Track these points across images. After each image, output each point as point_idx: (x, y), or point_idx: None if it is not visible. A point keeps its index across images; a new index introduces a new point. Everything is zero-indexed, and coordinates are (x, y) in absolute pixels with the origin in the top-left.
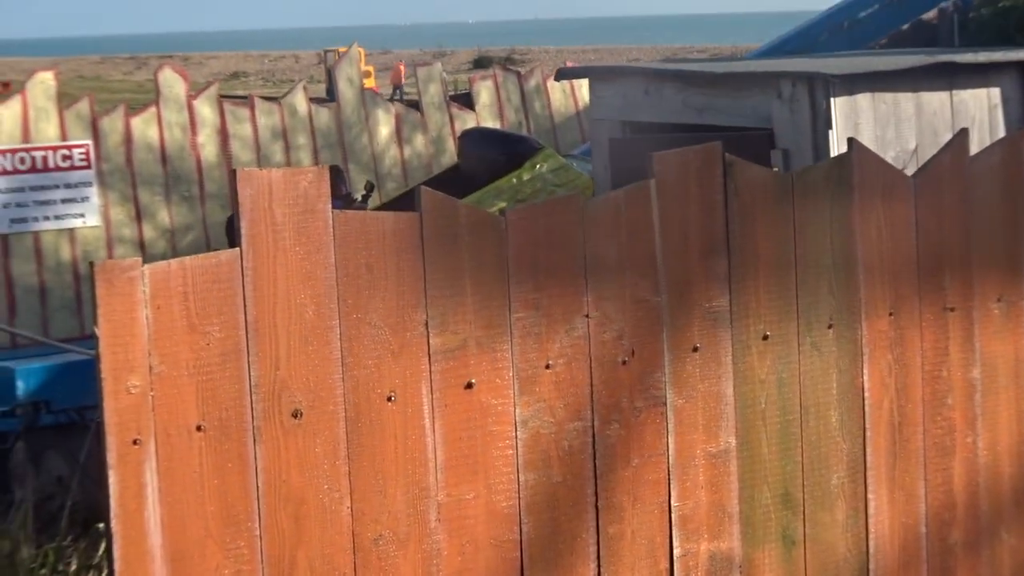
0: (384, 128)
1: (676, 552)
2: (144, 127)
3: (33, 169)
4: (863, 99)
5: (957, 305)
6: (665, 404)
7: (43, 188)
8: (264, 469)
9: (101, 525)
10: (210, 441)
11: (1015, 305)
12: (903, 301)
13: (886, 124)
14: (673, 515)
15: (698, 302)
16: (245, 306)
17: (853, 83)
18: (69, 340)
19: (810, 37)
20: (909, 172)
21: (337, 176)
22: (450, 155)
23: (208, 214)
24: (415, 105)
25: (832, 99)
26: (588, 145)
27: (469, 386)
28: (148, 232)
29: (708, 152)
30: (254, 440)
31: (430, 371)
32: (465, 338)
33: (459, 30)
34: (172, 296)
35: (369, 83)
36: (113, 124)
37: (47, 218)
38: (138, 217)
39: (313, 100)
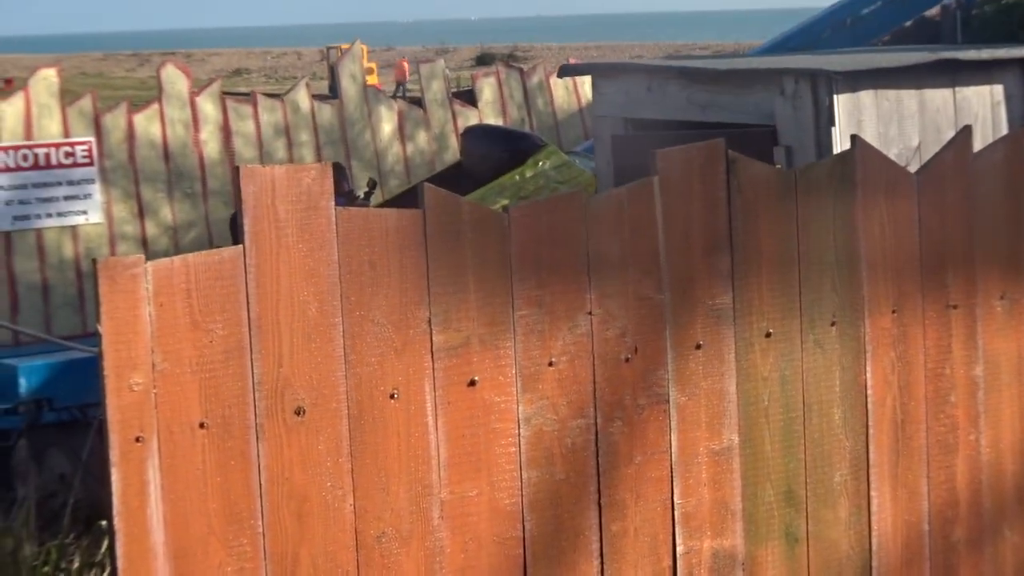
0: (387, 125)
1: (679, 549)
2: (147, 124)
3: (36, 166)
4: (866, 96)
5: (960, 302)
6: (668, 401)
7: (46, 185)
8: (267, 467)
9: (104, 522)
10: (213, 438)
11: (1018, 303)
12: (906, 298)
13: (889, 121)
14: (676, 512)
15: (701, 299)
16: (248, 303)
17: (856, 80)
18: (71, 337)
19: (813, 34)
20: (912, 169)
21: (339, 173)
22: (453, 152)
23: (211, 211)
24: (418, 102)
25: (835, 96)
26: (591, 142)
27: (472, 383)
28: (151, 229)
29: (711, 149)
30: (257, 437)
31: (433, 368)
32: (468, 335)
33: (461, 27)
34: (175, 293)
35: (372, 80)
36: (116, 121)
37: (50, 215)
38: (140, 214)
39: (316, 97)
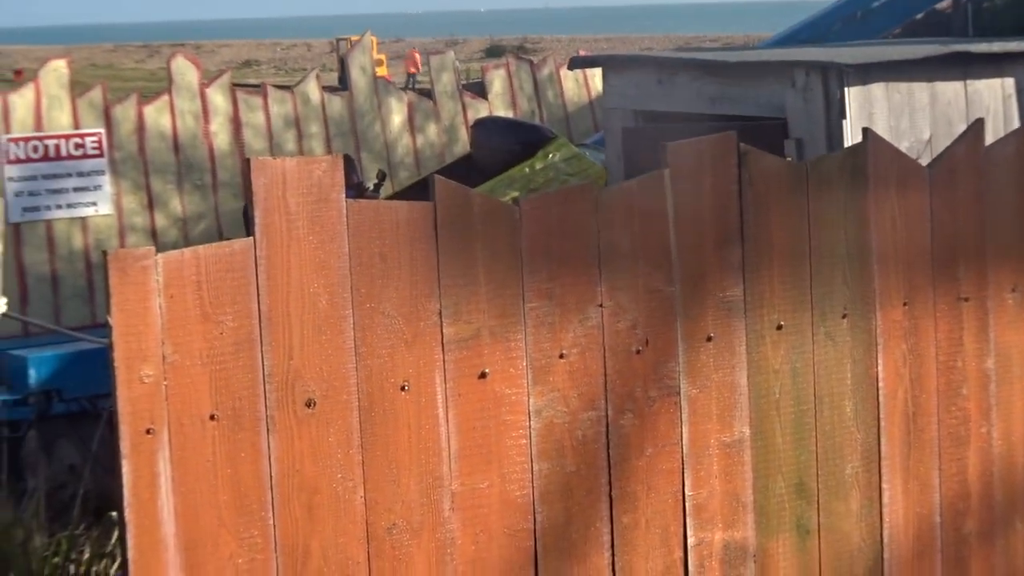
0: (396, 117)
1: (690, 541)
2: (156, 115)
3: (46, 157)
4: (877, 89)
5: (971, 295)
6: (679, 394)
7: (55, 176)
8: (277, 459)
9: (114, 514)
10: (223, 430)
11: None
12: (917, 291)
13: (900, 114)
14: (687, 504)
15: (712, 292)
16: (259, 295)
17: (867, 73)
18: (81, 329)
19: (823, 26)
20: (923, 162)
21: (349, 165)
22: (463, 144)
23: (220, 202)
24: (428, 94)
25: (846, 89)
26: (601, 134)
27: (483, 376)
28: (160, 220)
29: (723, 142)
30: (267, 429)
31: (444, 361)
32: (479, 328)
33: (471, 18)
34: (185, 285)
35: (381, 71)
36: (126, 112)
37: (59, 206)
38: (150, 205)
39: (325, 88)
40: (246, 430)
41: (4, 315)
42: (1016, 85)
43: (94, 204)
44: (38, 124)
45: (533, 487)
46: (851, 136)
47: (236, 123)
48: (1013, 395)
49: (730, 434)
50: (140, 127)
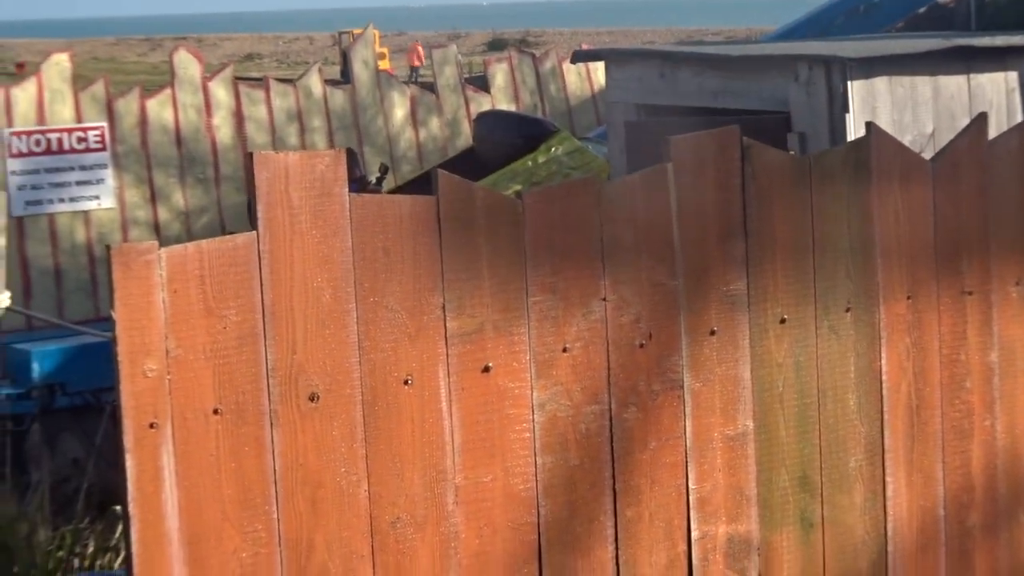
0: (399, 110)
1: (694, 535)
2: (159, 109)
3: (48, 151)
4: (880, 82)
5: (975, 289)
6: (682, 387)
7: (58, 170)
8: (281, 453)
9: (118, 508)
10: (227, 424)
11: None
12: (921, 285)
13: (903, 108)
14: (691, 498)
15: (715, 285)
16: (262, 289)
17: (870, 66)
18: (84, 322)
19: (826, 20)
20: (927, 156)
21: (351, 158)
22: (465, 138)
23: (223, 196)
24: (430, 87)
25: (849, 82)
26: (603, 128)
27: (486, 369)
28: (163, 214)
29: (726, 136)
30: (271, 423)
31: (447, 354)
32: (482, 321)
33: (473, 12)
34: (189, 279)
35: (384, 65)
36: (128, 106)
37: (62, 200)
38: (153, 199)
39: (328, 82)
40: (250, 424)
41: (7, 309)
42: (1019, 79)
43: (97, 198)
44: (40, 118)
45: (537, 481)
46: (854, 130)
47: (238, 117)
48: (1017, 388)
49: (734, 428)
50: (142, 121)
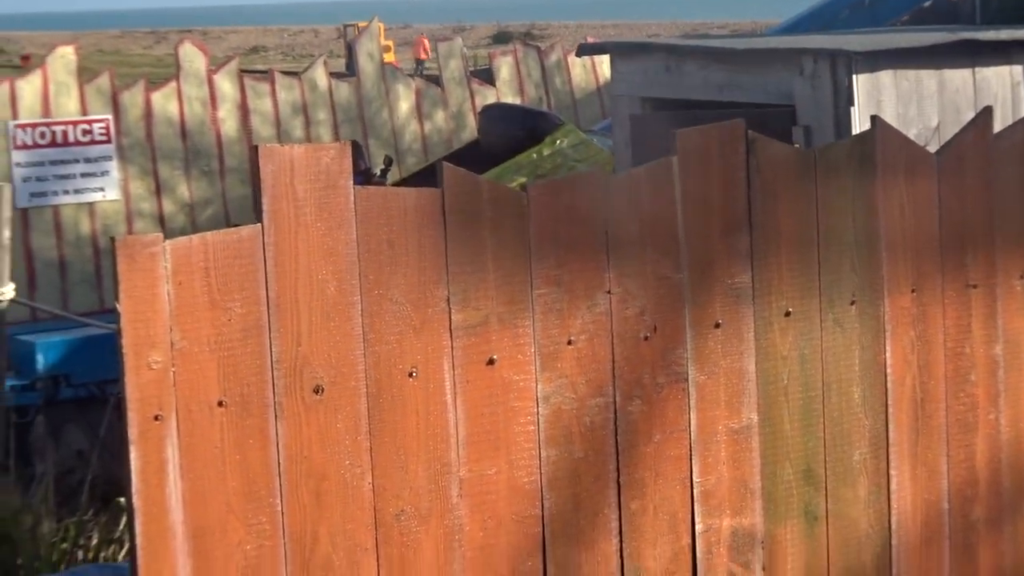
0: (404, 103)
1: (698, 527)
2: (164, 102)
3: (53, 143)
4: (885, 76)
5: (980, 282)
6: (687, 380)
7: (63, 162)
8: (285, 445)
9: (122, 500)
10: (231, 417)
11: None
12: (925, 278)
13: (908, 101)
14: (695, 491)
15: (720, 279)
16: (266, 282)
17: (875, 60)
18: (89, 314)
19: (831, 14)
20: (932, 150)
21: (356, 151)
22: (470, 130)
23: (228, 189)
24: (435, 80)
25: (854, 76)
26: (608, 121)
27: (491, 362)
28: (168, 206)
29: (731, 129)
30: (275, 416)
31: (452, 347)
32: (487, 314)
33: (478, 5)
34: (194, 272)
35: (389, 58)
36: (133, 98)
37: (67, 192)
38: (158, 191)
39: (333, 75)
40: (254, 416)
41: (12, 301)
42: None
43: (101, 190)
44: (45, 110)
45: (541, 473)
46: (859, 123)
47: (244, 109)
48: (1021, 382)
49: (738, 420)
50: (148, 113)
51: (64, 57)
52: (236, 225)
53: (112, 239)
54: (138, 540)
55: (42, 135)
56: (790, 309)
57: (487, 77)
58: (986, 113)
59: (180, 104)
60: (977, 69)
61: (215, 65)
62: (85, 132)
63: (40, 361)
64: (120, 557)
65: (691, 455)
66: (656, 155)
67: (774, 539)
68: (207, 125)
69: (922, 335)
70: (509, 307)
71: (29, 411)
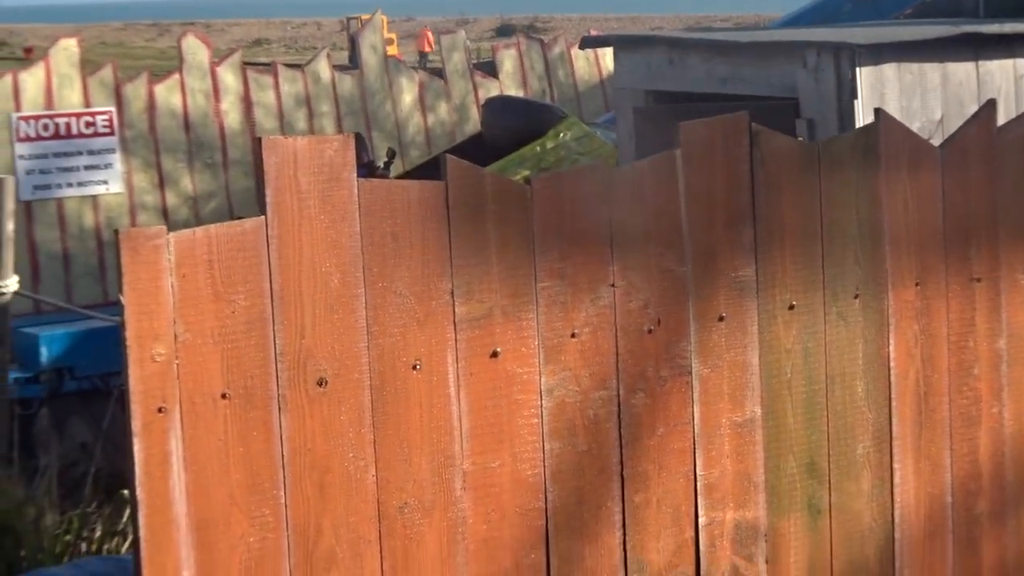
0: (407, 96)
1: (701, 520)
2: (167, 94)
3: (56, 136)
4: (889, 69)
5: (983, 276)
6: (691, 373)
7: (66, 155)
8: (289, 437)
9: (125, 492)
10: (235, 409)
11: None
12: (929, 272)
13: (912, 95)
14: (698, 484)
15: (724, 272)
16: (270, 274)
17: (879, 53)
18: (92, 307)
19: (834, 7)
20: (935, 143)
21: (359, 143)
22: (474, 123)
23: (231, 181)
24: (439, 73)
25: (858, 69)
26: (612, 114)
27: (494, 355)
28: (171, 199)
29: (735, 122)
30: (279, 408)
31: (455, 340)
32: (491, 307)
33: None
34: (197, 264)
35: (392, 51)
36: (136, 91)
37: (70, 185)
38: (161, 184)
39: (336, 68)
40: (258, 409)
41: (16, 293)
42: None
43: (105, 182)
44: (48, 102)
45: (545, 466)
46: (862, 116)
47: (247, 102)
48: None
49: (741, 414)
50: (151, 106)
51: (67, 49)
52: (240, 218)
53: (116, 232)
54: (141, 532)
55: (45, 127)
56: (794, 302)
57: (490, 70)
58: (990, 106)
59: (183, 96)
60: (981, 62)
61: (218, 58)
62: (88, 124)
63: (44, 354)
64: (123, 549)
65: (695, 448)
66: (659, 148)
67: (777, 532)
68: (210, 117)
69: (926, 329)
70: (513, 300)
71: (33, 403)
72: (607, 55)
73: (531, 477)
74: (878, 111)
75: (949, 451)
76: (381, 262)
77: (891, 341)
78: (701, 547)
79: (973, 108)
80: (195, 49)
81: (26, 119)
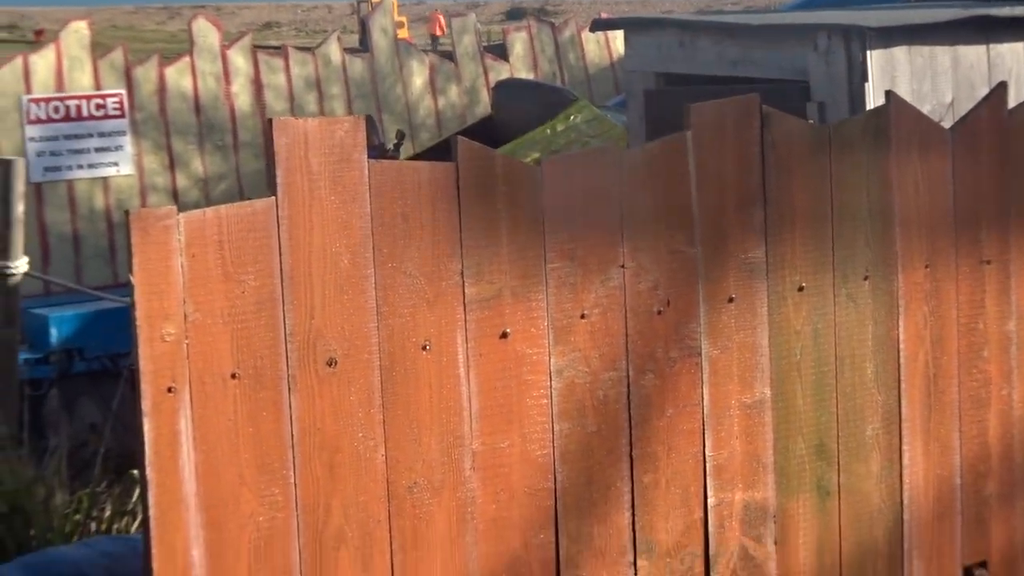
0: (418, 79)
1: (710, 501)
2: (178, 76)
3: (67, 118)
4: (900, 52)
5: (993, 258)
6: (700, 354)
7: (77, 137)
8: (299, 417)
9: (135, 472)
10: (244, 389)
11: None
12: (939, 254)
13: (922, 77)
14: (707, 464)
15: (734, 253)
16: (280, 255)
17: (890, 36)
18: (102, 288)
19: None
20: (946, 126)
21: (370, 126)
22: (484, 106)
23: (241, 163)
24: (449, 56)
25: (868, 52)
26: (622, 97)
27: (504, 335)
28: (181, 181)
29: (745, 104)
30: (289, 388)
31: (465, 320)
32: (500, 288)
33: None
34: (207, 244)
35: (403, 33)
36: (147, 73)
37: (81, 167)
38: (171, 166)
39: (347, 50)
40: (267, 389)
41: (26, 274)
42: None
43: (115, 164)
44: (59, 85)
45: (554, 447)
46: (873, 99)
47: (257, 84)
48: None
49: (751, 395)
50: (161, 88)
51: (77, 32)
52: (250, 199)
53: (126, 212)
54: (151, 511)
55: (56, 110)
56: (804, 284)
57: (501, 53)
58: (1000, 89)
59: (194, 79)
60: (991, 45)
61: (229, 40)
62: (99, 107)
63: (54, 334)
64: (133, 529)
65: (704, 429)
66: (670, 130)
67: (786, 513)
68: (221, 100)
69: (935, 311)
70: (523, 281)
71: (43, 384)
72: (617, 38)
73: (540, 457)
74: (889, 93)
75: (958, 433)
76: (391, 243)
77: (901, 323)
78: (710, 528)
79: (984, 91)
80: (206, 32)
81: (37, 101)
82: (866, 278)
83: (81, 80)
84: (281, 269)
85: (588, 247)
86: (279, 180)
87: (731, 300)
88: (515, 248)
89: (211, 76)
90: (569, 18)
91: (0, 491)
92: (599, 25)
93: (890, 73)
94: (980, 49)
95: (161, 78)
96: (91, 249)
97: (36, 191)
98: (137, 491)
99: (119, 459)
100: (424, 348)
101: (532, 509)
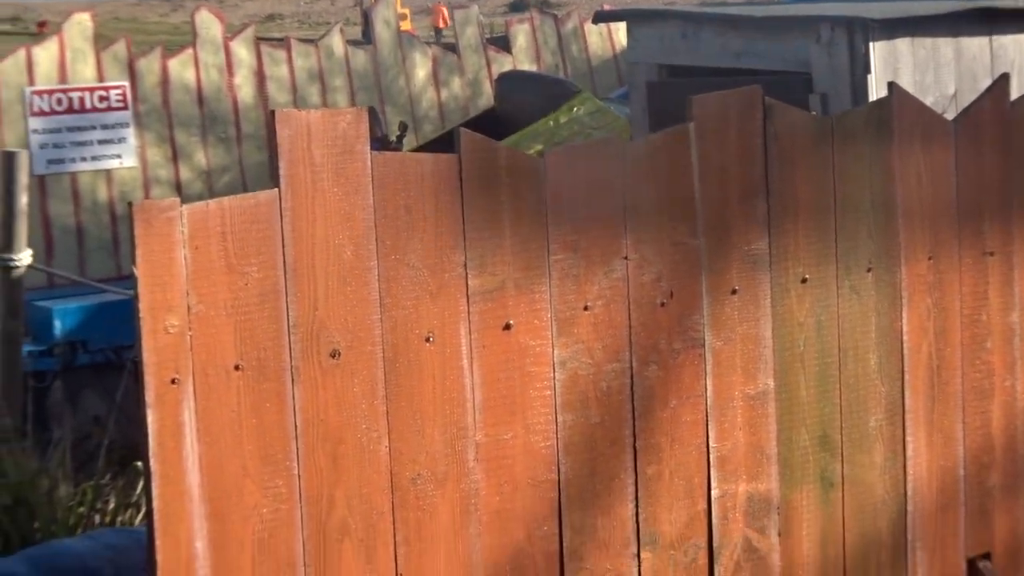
0: (421, 71)
1: (714, 493)
2: (181, 69)
3: (70, 110)
4: (902, 44)
5: (996, 249)
6: (703, 346)
7: (80, 129)
8: (302, 409)
9: (139, 464)
10: (248, 381)
11: None
12: (942, 245)
13: (925, 69)
14: (711, 456)
15: (737, 245)
16: (283, 246)
17: (892, 28)
18: (106, 280)
19: None
20: (948, 117)
21: (372, 117)
22: (487, 98)
23: (244, 155)
24: (452, 48)
25: (871, 43)
26: (625, 88)
27: (507, 327)
28: (184, 173)
29: (748, 95)
30: (292, 380)
31: (468, 312)
32: (503, 279)
33: None
34: (211, 236)
35: (405, 26)
36: (150, 65)
37: (84, 159)
38: (174, 158)
39: (349, 42)
40: (271, 380)
41: (29, 266)
42: None
43: (118, 156)
44: (62, 77)
45: (557, 438)
46: (876, 91)
47: (260, 76)
48: None
49: (754, 386)
50: (164, 80)
51: (80, 24)
52: (253, 191)
53: (130, 204)
54: (155, 503)
55: (59, 101)
56: (807, 276)
57: (503, 45)
58: (1003, 80)
59: (197, 71)
60: (994, 37)
61: (231, 32)
62: (102, 99)
63: (57, 327)
64: (137, 521)
65: (707, 420)
66: (673, 122)
67: (790, 504)
68: (224, 92)
69: (939, 302)
70: (526, 272)
71: (46, 376)
72: (620, 30)
73: (544, 449)
74: (892, 85)
75: (961, 424)
76: (394, 234)
77: (904, 315)
78: (713, 519)
79: (987, 82)
80: (209, 24)
81: (40, 93)
82: (869, 270)
83: (84, 72)
84: (284, 261)
85: (591, 239)
86: (282, 172)
87: (734, 292)
88: (518, 240)
89: (214, 68)
90: (572, 10)
91: (4, 483)
92: (602, 17)
93: (893, 65)
94: (983, 41)
95: (164, 70)
96: (94, 241)
97: (39, 183)
98: (141, 483)
99: (123, 451)
100: (427, 340)
101: (536, 501)
